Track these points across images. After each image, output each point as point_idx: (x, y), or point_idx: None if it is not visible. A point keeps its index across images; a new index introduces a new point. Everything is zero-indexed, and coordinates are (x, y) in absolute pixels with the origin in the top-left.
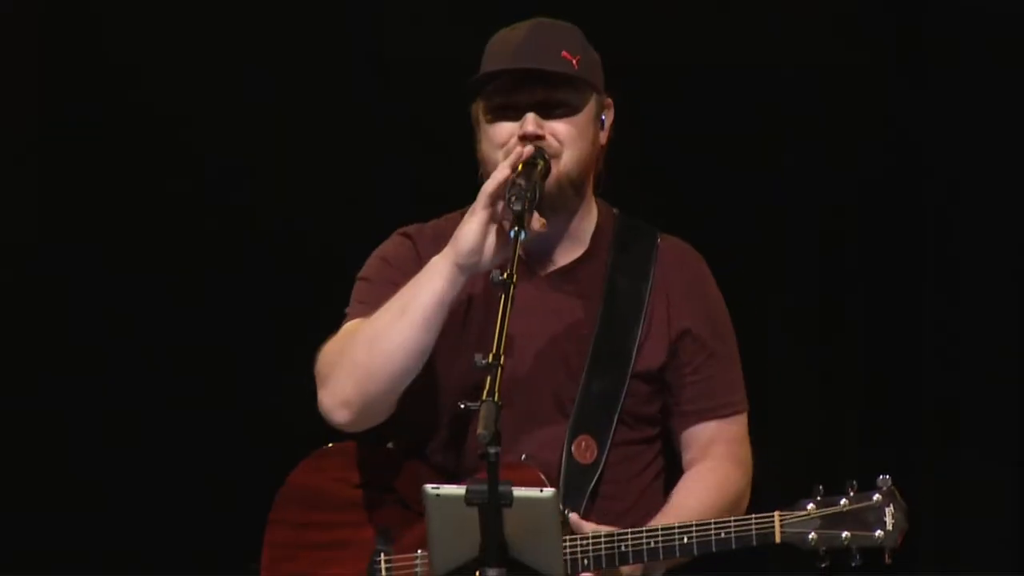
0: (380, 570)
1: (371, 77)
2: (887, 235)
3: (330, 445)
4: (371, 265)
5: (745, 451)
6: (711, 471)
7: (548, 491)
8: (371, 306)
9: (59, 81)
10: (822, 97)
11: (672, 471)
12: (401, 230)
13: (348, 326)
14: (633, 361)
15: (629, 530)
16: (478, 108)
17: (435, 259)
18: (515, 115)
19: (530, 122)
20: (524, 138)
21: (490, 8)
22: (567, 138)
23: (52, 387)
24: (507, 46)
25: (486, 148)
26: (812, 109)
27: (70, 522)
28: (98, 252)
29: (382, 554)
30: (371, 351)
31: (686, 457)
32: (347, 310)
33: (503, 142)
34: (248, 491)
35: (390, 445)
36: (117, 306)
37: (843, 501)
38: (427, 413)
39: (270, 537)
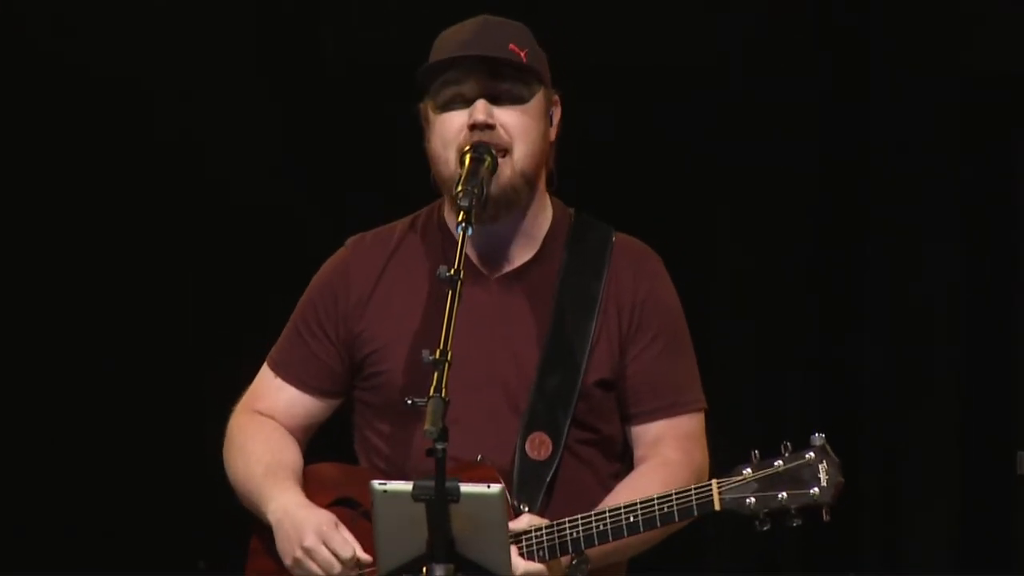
0: None
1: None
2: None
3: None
4: (303, 306)
5: (698, 450)
6: (655, 468)
7: (495, 487)
8: (286, 367)
9: None
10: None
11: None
12: (348, 240)
13: (240, 423)
14: (586, 361)
15: (579, 516)
16: (427, 106)
17: (283, 505)
18: (464, 106)
19: (480, 110)
20: (474, 127)
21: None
22: (517, 130)
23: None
24: (454, 40)
25: (436, 144)
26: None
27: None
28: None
29: None
30: (229, 475)
31: (635, 455)
32: (269, 357)
33: (453, 134)
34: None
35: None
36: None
37: (778, 462)
38: (385, 414)
39: (251, 564)
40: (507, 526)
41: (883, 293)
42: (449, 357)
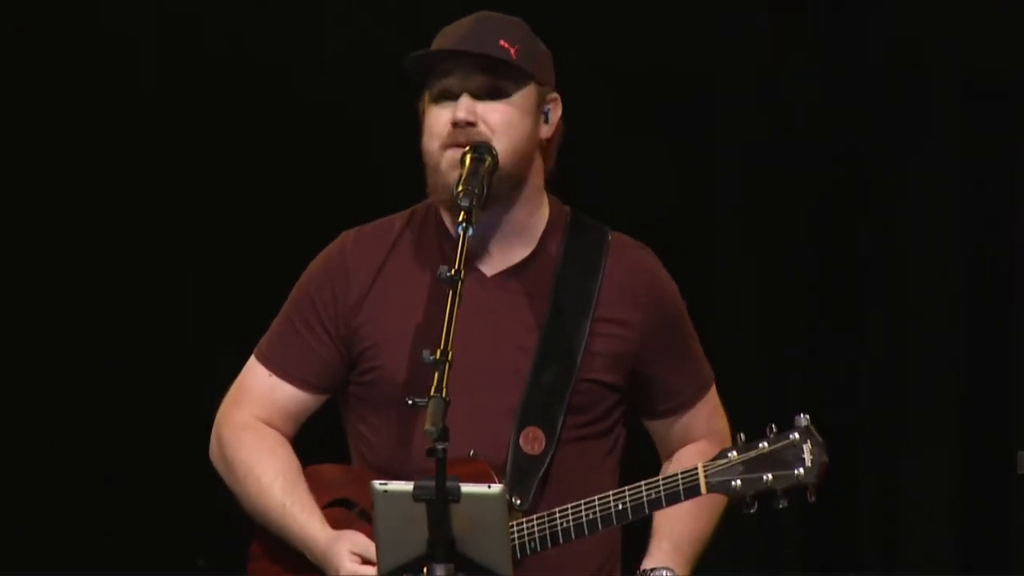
0: None
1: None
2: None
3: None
4: (299, 301)
5: (720, 420)
6: (693, 456)
7: (496, 487)
8: (281, 364)
9: None
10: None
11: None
12: (343, 233)
13: (231, 418)
14: (581, 356)
15: (569, 505)
16: (424, 101)
17: (318, 541)
18: (451, 101)
19: (462, 108)
20: (456, 124)
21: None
22: (499, 125)
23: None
24: (449, 36)
25: (424, 137)
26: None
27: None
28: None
29: None
30: (236, 493)
31: (667, 450)
32: (258, 352)
33: (439, 129)
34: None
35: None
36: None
37: (762, 444)
38: (379, 409)
39: (252, 566)
40: (507, 526)
41: (883, 292)
42: (450, 357)
